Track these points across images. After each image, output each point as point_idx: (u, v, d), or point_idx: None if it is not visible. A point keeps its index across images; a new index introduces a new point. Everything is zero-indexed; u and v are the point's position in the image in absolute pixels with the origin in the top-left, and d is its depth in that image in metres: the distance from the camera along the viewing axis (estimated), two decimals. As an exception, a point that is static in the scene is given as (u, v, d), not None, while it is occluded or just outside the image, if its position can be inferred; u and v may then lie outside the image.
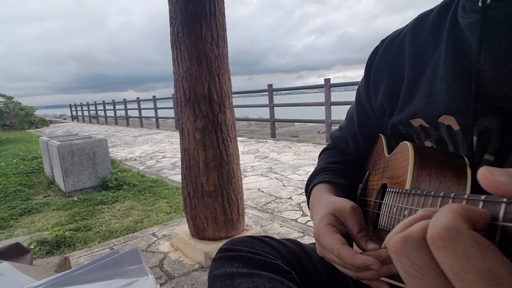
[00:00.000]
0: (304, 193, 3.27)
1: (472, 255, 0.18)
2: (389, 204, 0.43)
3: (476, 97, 0.40)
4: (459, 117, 0.43)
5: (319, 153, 0.81)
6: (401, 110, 0.52)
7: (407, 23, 0.57)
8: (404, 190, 0.38)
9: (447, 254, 0.19)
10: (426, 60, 0.49)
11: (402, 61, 0.53)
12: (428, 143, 0.49)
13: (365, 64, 0.62)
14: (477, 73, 0.40)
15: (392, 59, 0.55)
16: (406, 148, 0.45)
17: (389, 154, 0.53)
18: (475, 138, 0.42)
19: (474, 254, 0.18)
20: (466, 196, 0.23)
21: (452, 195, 0.26)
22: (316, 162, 0.77)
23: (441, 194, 0.27)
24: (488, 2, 0.39)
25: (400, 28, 0.58)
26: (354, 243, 0.47)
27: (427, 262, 0.21)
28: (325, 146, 0.83)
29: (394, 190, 0.42)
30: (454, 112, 0.43)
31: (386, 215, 0.43)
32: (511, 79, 0.38)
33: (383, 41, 0.59)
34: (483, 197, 0.21)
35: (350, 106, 0.73)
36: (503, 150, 0.40)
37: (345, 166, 0.68)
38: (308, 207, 0.63)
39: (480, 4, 0.39)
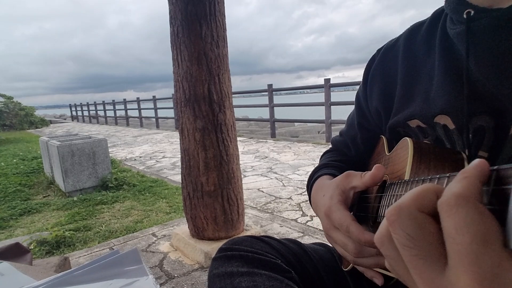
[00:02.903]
0: (304, 193, 3.28)
1: (469, 220, 0.20)
2: (388, 195, 0.44)
3: (469, 98, 0.44)
4: (454, 116, 0.46)
5: (319, 153, 0.82)
6: (398, 113, 0.55)
7: (403, 29, 0.61)
8: (403, 181, 0.40)
9: (448, 216, 0.21)
10: (420, 66, 0.53)
11: (396, 68, 0.57)
12: None
13: (364, 66, 0.66)
14: (468, 77, 0.44)
15: (387, 67, 0.59)
16: (406, 144, 0.47)
17: (389, 152, 0.55)
18: (470, 136, 0.45)
19: (472, 220, 0.19)
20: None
21: (447, 174, 0.26)
22: (316, 163, 0.79)
23: (438, 176, 0.28)
24: (472, 14, 0.42)
25: (394, 38, 0.62)
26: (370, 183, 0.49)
27: (419, 232, 0.22)
28: (325, 146, 0.85)
29: (394, 182, 0.44)
30: (449, 111, 0.47)
31: (386, 206, 0.44)
32: (499, 82, 0.41)
33: (379, 50, 0.63)
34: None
35: (350, 111, 0.76)
36: (496, 146, 0.43)
37: (346, 164, 0.70)
38: (310, 202, 0.65)
39: (464, 16, 0.42)
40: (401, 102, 0.55)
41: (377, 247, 0.27)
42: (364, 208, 0.54)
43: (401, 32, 0.61)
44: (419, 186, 0.24)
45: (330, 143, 0.83)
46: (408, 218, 0.23)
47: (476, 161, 0.22)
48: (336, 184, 0.52)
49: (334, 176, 0.63)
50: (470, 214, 0.20)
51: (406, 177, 0.42)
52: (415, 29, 0.56)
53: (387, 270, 0.43)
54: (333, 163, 0.70)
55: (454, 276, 0.20)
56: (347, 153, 0.76)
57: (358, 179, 0.49)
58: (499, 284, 0.18)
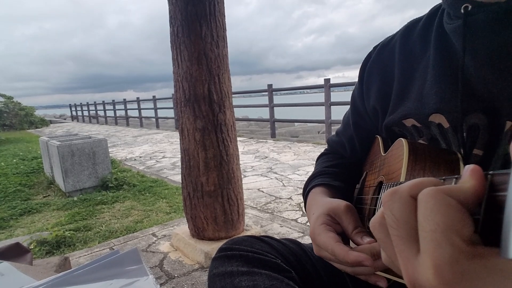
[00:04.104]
0: (304, 193, 3.28)
1: (436, 210, 0.21)
2: None
3: (463, 96, 0.43)
4: (448, 115, 0.46)
5: (319, 153, 0.82)
6: (393, 112, 0.55)
7: (401, 27, 0.59)
8: (399, 183, 0.39)
9: (419, 204, 0.23)
10: (416, 64, 0.52)
11: (393, 66, 0.56)
12: (421, 142, 0.51)
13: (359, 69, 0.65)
14: (463, 74, 0.43)
15: (384, 64, 0.58)
16: (401, 144, 0.46)
17: (385, 153, 0.54)
18: (464, 134, 0.44)
19: (438, 210, 0.21)
20: (456, 177, 0.25)
21: (443, 178, 0.27)
22: (315, 163, 0.78)
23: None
24: (469, 9, 0.41)
25: (391, 34, 0.61)
26: (350, 240, 0.48)
27: (403, 215, 0.24)
28: (325, 146, 0.84)
29: (390, 184, 0.43)
30: (444, 110, 0.46)
31: None
32: (494, 78, 0.41)
33: (375, 47, 0.62)
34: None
35: (346, 111, 0.75)
36: (491, 144, 0.43)
37: (341, 169, 0.69)
38: (305, 211, 0.64)
39: (462, 11, 0.42)
40: (397, 100, 0.54)
41: (371, 231, 0.28)
42: (359, 210, 0.54)
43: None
44: (422, 178, 0.25)
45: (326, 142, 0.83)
46: (398, 201, 0.24)
47: (471, 166, 0.23)
48: (327, 207, 0.50)
49: (328, 185, 0.62)
50: (437, 204, 0.21)
51: (402, 178, 0.42)
52: (412, 25, 0.56)
53: (386, 272, 0.43)
54: (328, 170, 0.68)
55: (422, 259, 0.22)
56: (343, 154, 0.75)
57: (348, 224, 0.47)
58: (455, 273, 0.20)
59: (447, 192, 0.22)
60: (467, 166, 0.22)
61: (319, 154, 0.82)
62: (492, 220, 0.19)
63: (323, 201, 0.55)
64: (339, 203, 0.50)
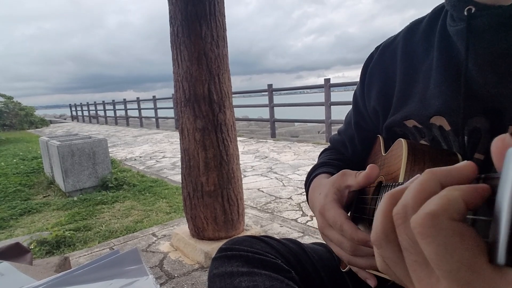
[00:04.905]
0: (304, 193, 3.28)
1: (451, 245, 0.18)
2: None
3: (465, 99, 0.43)
4: (449, 117, 0.46)
5: (319, 153, 0.82)
6: (395, 113, 0.55)
7: (402, 28, 0.59)
8: (398, 183, 0.39)
9: (426, 242, 0.19)
10: (418, 65, 0.52)
11: (395, 67, 0.56)
12: (423, 143, 0.51)
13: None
14: (466, 76, 0.43)
15: (385, 65, 0.58)
16: (400, 145, 0.46)
17: (385, 153, 0.54)
18: (465, 138, 0.44)
19: (453, 244, 0.18)
20: None
21: None
22: (318, 158, 0.79)
23: None
24: (472, 11, 0.41)
25: (393, 35, 0.61)
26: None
27: (396, 256, 0.23)
28: (325, 146, 0.84)
29: (389, 184, 0.43)
30: (445, 113, 0.46)
31: None
32: (497, 81, 0.40)
33: (377, 48, 0.62)
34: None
35: (349, 110, 0.75)
36: None
37: (344, 164, 0.69)
38: (307, 200, 0.64)
39: (465, 13, 0.42)
40: (398, 101, 0.54)
41: (375, 248, 0.26)
42: (361, 209, 0.54)
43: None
44: (420, 183, 0.22)
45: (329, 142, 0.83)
46: (385, 243, 0.23)
47: (463, 166, 0.21)
48: (331, 182, 0.51)
49: (332, 174, 0.63)
50: (450, 239, 0.18)
51: (401, 179, 0.42)
52: (414, 26, 0.56)
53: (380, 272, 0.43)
54: (332, 162, 0.69)
55: None
56: (344, 153, 0.75)
57: (353, 178, 0.48)
58: None
59: (454, 215, 0.18)
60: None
61: (319, 154, 0.82)
62: (482, 222, 0.19)
63: (327, 181, 0.54)
64: (335, 175, 0.51)
